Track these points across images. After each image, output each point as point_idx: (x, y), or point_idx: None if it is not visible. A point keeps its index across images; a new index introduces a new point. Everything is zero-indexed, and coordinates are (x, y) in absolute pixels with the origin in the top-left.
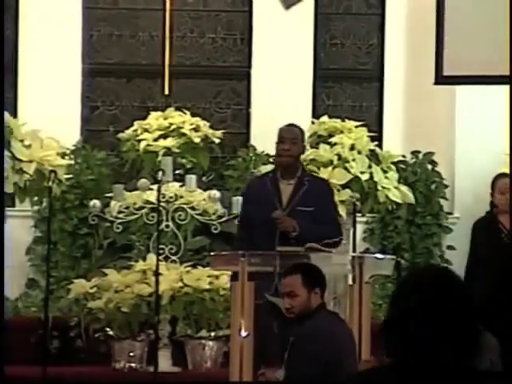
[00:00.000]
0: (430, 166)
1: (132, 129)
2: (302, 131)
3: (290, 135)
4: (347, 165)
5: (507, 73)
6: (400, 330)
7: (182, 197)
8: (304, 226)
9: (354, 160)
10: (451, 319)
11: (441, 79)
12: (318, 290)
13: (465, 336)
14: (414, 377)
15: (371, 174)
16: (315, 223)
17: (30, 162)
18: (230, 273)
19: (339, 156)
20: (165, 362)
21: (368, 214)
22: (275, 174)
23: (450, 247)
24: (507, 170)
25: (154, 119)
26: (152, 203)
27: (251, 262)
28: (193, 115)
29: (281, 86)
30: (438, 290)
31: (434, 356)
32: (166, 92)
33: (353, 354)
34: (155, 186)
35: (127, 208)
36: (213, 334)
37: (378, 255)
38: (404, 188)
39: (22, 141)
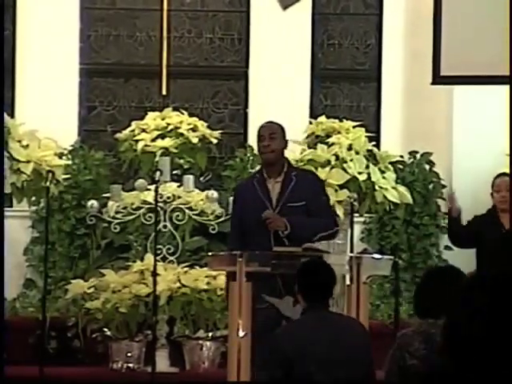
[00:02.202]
0: (427, 166)
1: (129, 129)
2: (280, 126)
3: (267, 131)
4: (345, 165)
5: (505, 73)
6: (467, 332)
7: (179, 197)
8: (295, 223)
9: (351, 160)
10: None
11: (438, 79)
12: (300, 297)
13: None
14: (479, 380)
15: (369, 174)
16: (309, 217)
17: (28, 162)
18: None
19: (337, 156)
20: (162, 363)
21: (366, 215)
22: (262, 174)
23: (447, 247)
24: (506, 170)
25: (152, 119)
26: (150, 203)
27: (249, 263)
28: (190, 115)
29: (278, 86)
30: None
31: (499, 360)
32: (164, 92)
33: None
34: (153, 187)
35: (125, 208)
36: (210, 334)
37: (376, 255)
38: (402, 188)
39: (19, 141)
